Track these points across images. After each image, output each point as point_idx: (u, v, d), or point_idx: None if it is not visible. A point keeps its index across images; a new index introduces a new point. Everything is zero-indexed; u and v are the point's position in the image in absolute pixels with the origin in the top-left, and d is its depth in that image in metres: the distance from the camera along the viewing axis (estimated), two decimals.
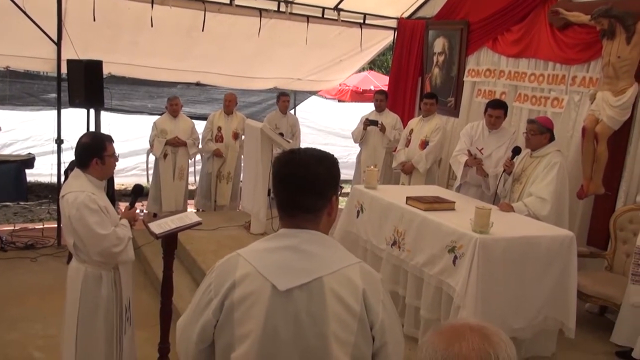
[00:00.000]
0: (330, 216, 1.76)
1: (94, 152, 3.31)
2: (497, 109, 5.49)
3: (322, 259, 1.68)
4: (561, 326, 4.07)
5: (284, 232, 1.73)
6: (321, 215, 1.73)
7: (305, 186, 1.68)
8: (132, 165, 9.88)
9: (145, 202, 7.67)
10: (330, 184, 1.72)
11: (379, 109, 7.44)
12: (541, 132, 4.81)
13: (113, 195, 6.13)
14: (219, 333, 1.68)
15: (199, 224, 3.70)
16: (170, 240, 3.66)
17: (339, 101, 13.28)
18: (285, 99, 7.98)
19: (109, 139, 3.42)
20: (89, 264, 3.33)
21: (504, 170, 5.00)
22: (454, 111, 7.18)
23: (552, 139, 4.87)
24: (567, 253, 4.00)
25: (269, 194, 5.90)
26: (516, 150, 4.99)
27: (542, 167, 4.73)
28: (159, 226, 3.57)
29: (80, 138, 3.42)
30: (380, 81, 12.88)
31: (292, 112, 9.31)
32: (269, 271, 1.65)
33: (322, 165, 1.70)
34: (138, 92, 8.67)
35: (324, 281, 1.63)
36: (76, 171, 3.36)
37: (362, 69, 12.43)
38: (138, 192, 3.78)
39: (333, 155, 1.76)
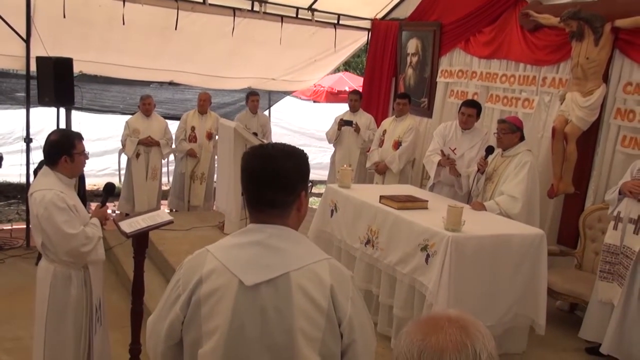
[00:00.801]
0: (300, 212, 1.74)
1: (63, 149, 3.26)
2: (470, 107, 5.56)
3: (290, 255, 1.66)
4: (532, 323, 4.12)
5: (251, 227, 1.71)
6: (290, 211, 1.71)
7: (273, 180, 1.66)
8: (104, 165, 9.74)
9: (116, 202, 7.56)
10: (298, 178, 1.70)
11: (353, 109, 7.45)
12: (512, 131, 4.88)
13: (84, 195, 6.03)
14: (186, 329, 1.66)
15: (170, 222, 3.65)
16: (141, 240, 3.61)
17: (314, 102, 13.29)
18: (255, 99, 7.91)
19: (78, 137, 3.37)
20: (58, 263, 3.27)
21: (478, 170, 5.05)
22: (427, 112, 7.23)
23: (522, 138, 4.94)
24: (538, 251, 4.06)
25: (242, 194, 5.86)
26: (489, 150, 5.04)
27: (513, 166, 4.80)
28: (130, 225, 3.52)
29: (49, 135, 3.36)
30: (355, 82, 12.92)
31: (266, 113, 9.27)
32: (235, 266, 1.64)
33: (291, 160, 1.68)
34: (110, 91, 8.53)
35: (290, 277, 1.62)
36: (45, 169, 3.30)
37: (337, 70, 12.47)
38: (109, 191, 3.73)
39: (303, 151, 1.74)
